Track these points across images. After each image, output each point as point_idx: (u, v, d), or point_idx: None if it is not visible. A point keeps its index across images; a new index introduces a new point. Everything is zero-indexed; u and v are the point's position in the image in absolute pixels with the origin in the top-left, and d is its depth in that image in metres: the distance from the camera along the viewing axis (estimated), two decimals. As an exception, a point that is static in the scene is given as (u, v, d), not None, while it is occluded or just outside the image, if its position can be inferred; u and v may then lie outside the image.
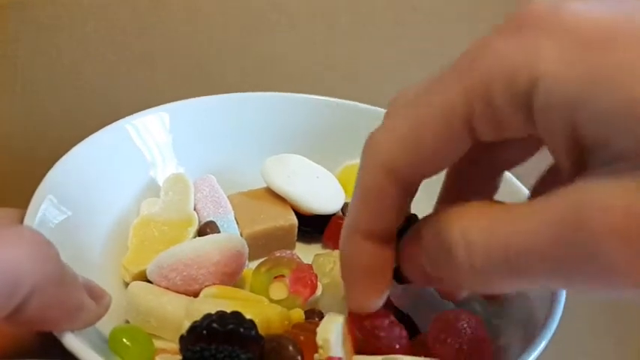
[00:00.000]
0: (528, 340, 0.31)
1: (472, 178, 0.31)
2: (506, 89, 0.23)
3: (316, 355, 0.30)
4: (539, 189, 0.31)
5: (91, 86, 0.56)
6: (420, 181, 0.27)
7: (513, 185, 0.40)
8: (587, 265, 0.22)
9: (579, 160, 0.23)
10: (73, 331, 0.29)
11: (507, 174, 0.37)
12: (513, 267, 0.23)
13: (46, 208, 0.35)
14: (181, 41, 0.55)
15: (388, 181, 0.26)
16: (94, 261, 0.37)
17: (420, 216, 0.29)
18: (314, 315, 0.35)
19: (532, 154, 0.30)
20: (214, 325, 0.29)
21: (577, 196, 0.22)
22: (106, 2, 0.53)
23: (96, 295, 0.30)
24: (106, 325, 0.31)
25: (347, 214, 0.29)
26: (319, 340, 0.30)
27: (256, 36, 0.55)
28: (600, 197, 0.21)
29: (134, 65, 0.55)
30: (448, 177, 0.32)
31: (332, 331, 0.30)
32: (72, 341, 0.28)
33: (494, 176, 0.32)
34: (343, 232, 0.29)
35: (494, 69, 0.23)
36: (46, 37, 0.53)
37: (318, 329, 0.31)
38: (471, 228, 0.25)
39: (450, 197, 0.32)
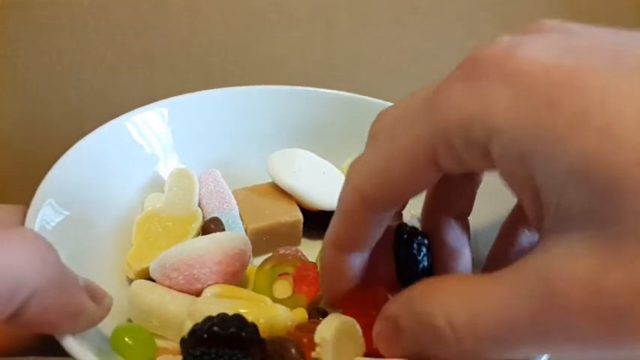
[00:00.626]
0: None
1: (454, 177, 0.32)
2: (463, 138, 0.24)
3: (313, 353, 0.30)
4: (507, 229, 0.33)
5: (91, 86, 0.56)
6: (392, 208, 0.29)
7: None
8: (566, 337, 0.23)
9: (540, 212, 0.24)
10: (73, 333, 0.29)
11: None
12: (500, 343, 0.24)
13: (47, 208, 0.35)
14: (181, 41, 0.55)
15: (361, 204, 0.28)
16: (97, 258, 0.37)
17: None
18: (318, 314, 0.35)
19: None
20: (215, 328, 0.29)
21: (544, 268, 0.23)
22: (106, 2, 0.53)
23: (97, 296, 0.30)
24: (108, 323, 0.31)
25: (329, 224, 0.31)
26: (317, 338, 0.30)
27: (256, 36, 0.55)
28: (565, 271, 0.22)
29: (134, 65, 0.55)
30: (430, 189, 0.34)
31: (330, 330, 0.30)
32: (71, 344, 0.28)
33: (474, 187, 0.33)
34: (324, 239, 0.31)
35: (451, 117, 0.24)
36: (46, 37, 0.53)
37: (318, 327, 0.31)
38: (454, 312, 0.25)
39: (433, 206, 0.34)
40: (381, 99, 0.45)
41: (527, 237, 0.33)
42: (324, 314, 0.35)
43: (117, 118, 0.42)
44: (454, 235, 0.33)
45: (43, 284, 0.26)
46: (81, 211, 0.37)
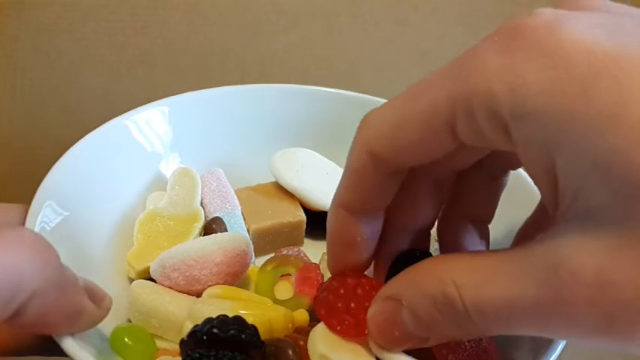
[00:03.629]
0: (539, 349, 0.31)
1: (477, 180, 0.31)
2: (487, 109, 0.23)
3: None
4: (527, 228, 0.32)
5: (91, 86, 0.56)
6: (404, 169, 0.27)
7: (526, 184, 0.39)
8: (568, 326, 0.23)
9: (555, 197, 0.23)
10: (72, 334, 0.29)
11: (522, 173, 0.37)
12: (503, 321, 0.24)
13: (47, 209, 0.35)
14: (181, 41, 0.55)
15: (370, 163, 0.27)
16: (98, 257, 0.37)
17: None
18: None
19: None
20: (214, 330, 0.29)
21: (553, 257, 0.22)
22: (105, 2, 0.53)
23: (96, 297, 0.29)
24: (108, 323, 0.31)
25: (337, 184, 0.29)
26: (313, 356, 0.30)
27: (256, 35, 0.55)
28: (574, 260, 0.22)
29: (134, 65, 0.55)
30: (457, 180, 0.32)
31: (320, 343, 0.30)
32: (70, 345, 0.28)
33: (500, 176, 0.32)
34: (331, 200, 0.30)
35: (477, 85, 0.23)
36: (45, 37, 0.53)
37: (308, 346, 0.30)
38: (462, 284, 0.25)
39: (452, 209, 0.32)
40: (381, 98, 0.45)
41: None
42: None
43: (118, 117, 0.41)
44: (472, 241, 0.32)
45: (42, 285, 0.26)
46: (81, 210, 0.37)
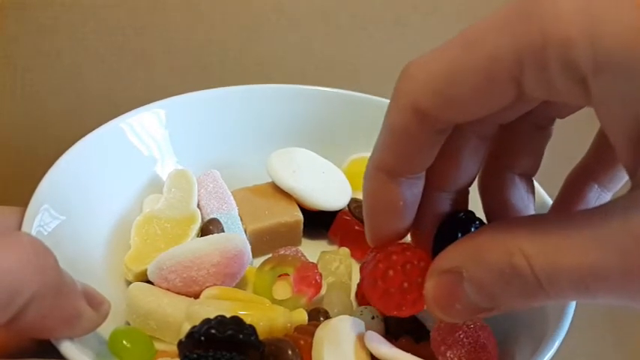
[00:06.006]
0: (538, 344, 0.31)
1: (522, 130, 0.29)
2: (562, 59, 0.20)
3: None
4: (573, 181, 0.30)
5: (91, 86, 0.56)
6: (451, 126, 0.25)
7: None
8: None
9: (637, 159, 0.22)
10: (70, 338, 0.29)
11: None
12: (582, 289, 0.22)
13: (44, 212, 0.35)
14: (181, 41, 0.55)
15: (415, 121, 0.24)
16: (96, 260, 0.37)
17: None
18: (318, 315, 0.35)
19: None
20: (212, 330, 0.29)
21: (636, 226, 0.21)
22: (105, 2, 0.53)
23: (95, 302, 0.29)
24: (106, 326, 0.31)
25: (374, 147, 0.27)
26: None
27: (256, 36, 0.55)
28: None
29: (134, 65, 0.55)
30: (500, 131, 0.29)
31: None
32: (69, 348, 0.28)
33: (546, 125, 0.29)
34: (367, 165, 0.27)
35: (550, 31, 0.20)
36: (45, 37, 0.53)
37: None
38: (530, 254, 0.23)
39: (497, 162, 0.30)
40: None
41: (595, 192, 0.30)
42: (325, 315, 0.35)
43: (113, 120, 0.41)
44: (519, 194, 0.30)
45: (41, 290, 0.26)
46: (78, 214, 0.37)
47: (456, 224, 0.29)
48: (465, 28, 0.23)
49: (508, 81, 0.22)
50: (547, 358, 0.30)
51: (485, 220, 0.30)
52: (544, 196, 0.39)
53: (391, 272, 0.28)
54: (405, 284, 0.28)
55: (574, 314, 0.32)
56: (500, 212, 0.30)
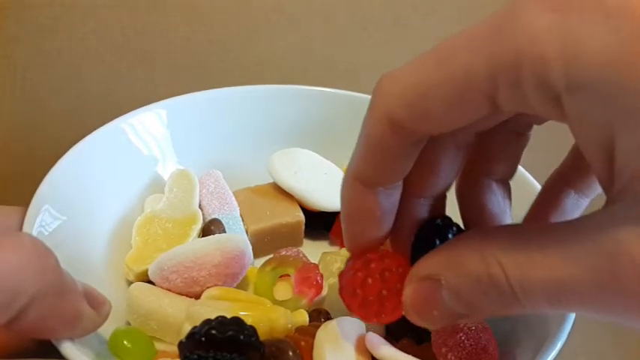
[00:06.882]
0: (539, 347, 0.31)
1: (499, 136, 0.29)
2: (536, 78, 0.20)
3: None
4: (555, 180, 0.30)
5: (91, 86, 0.55)
6: (427, 137, 0.25)
7: (525, 179, 0.39)
8: (627, 310, 0.21)
9: (611, 175, 0.22)
10: (71, 339, 0.29)
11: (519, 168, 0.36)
12: (554, 301, 0.23)
13: (45, 213, 0.35)
14: (181, 41, 0.55)
15: (390, 133, 0.24)
16: (97, 260, 0.37)
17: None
18: (319, 315, 0.35)
19: None
20: (213, 331, 0.29)
21: (611, 243, 0.21)
22: (105, 2, 0.53)
23: (95, 302, 0.29)
24: (107, 326, 0.31)
25: (351, 156, 0.27)
26: None
27: (256, 36, 0.55)
28: (635, 249, 0.20)
29: (134, 65, 0.55)
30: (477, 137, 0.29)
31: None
32: (69, 348, 0.28)
33: (523, 132, 0.29)
34: (344, 174, 0.28)
35: (527, 50, 0.20)
36: (45, 37, 0.53)
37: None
38: (506, 264, 0.23)
39: (473, 167, 0.30)
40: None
41: (572, 199, 0.30)
42: (327, 316, 0.35)
43: (115, 120, 0.42)
44: (495, 199, 0.30)
45: (42, 290, 0.26)
46: (79, 214, 0.37)
47: (433, 230, 0.29)
48: (446, 38, 0.23)
49: (482, 97, 0.22)
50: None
51: (462, 225, 0.30)
52: (531, 180, 0.39)
53: (370, 280, 0.28)
54: (384, 291, 0.28)
55: (575, 315, 0.32)
56: (477, 217, 0.30)
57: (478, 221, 0.30)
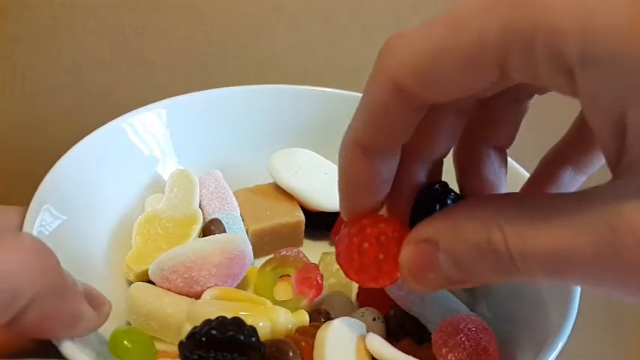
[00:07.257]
0: (540, 347, 0.31)
1: (500, 104, 0.29)
2: (550, 49, 0.20)
3: None
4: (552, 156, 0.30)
5: (91, 86, 0.55)
6: (430, 104, 0.25)
7: (513, 169, 0.39)
8: (623, 283, 0.21)
9: (620, 150, 0.21)
10: (71, 339, 0.29)
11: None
12: (552, 271, 0.23)
13: (45, 212, 0.35)
14: (181, 41, 0.54)
15: (394, 97, 0.24)
16: (97, 260, 0.37)
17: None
18: (320, 316, 0.35)
19: None
20: (213, 331, 0.29)
21: (613, 214, 0.21)
22: (105, 2, 0.53)
23: (96, 302, 0.29)
24: (107, 326, 0.31)
25: (350, 121, 0.27)
26: None
27: (256, 36, 0.55)
28: (636, 222, 0.20)
29: (134, 65, 0.55)
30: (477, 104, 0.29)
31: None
32: (69, 348, 0.28)
33: (524, 99, 0.29)
34: (343, 139, 0.27)
35: (540, 20, 0.20)
36: (45, 37, 0.53)
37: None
38: (506, 232, 0.23)
39: (471, 134, 0.30)
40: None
41: (569, 175, 0.30)
42: (327, 316, 0.35)
43: (115, 120, 0.42)
44: (492, 167, 0.30)
45: (42, 290, 0.26)
46: (79, 214, 0.37)
47: (433, 195, 0.29)
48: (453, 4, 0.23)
49: (492, 64, 0.22)
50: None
51: (457, 191, 0.30)
52: (520, 170, 0.39)
53: (366, 245, 0.28)
54: (381, 255, 0.28)
55: (576, 315, 0.32)
56: (473, 184, 0.30)
57: (474, 187, 0.30)
